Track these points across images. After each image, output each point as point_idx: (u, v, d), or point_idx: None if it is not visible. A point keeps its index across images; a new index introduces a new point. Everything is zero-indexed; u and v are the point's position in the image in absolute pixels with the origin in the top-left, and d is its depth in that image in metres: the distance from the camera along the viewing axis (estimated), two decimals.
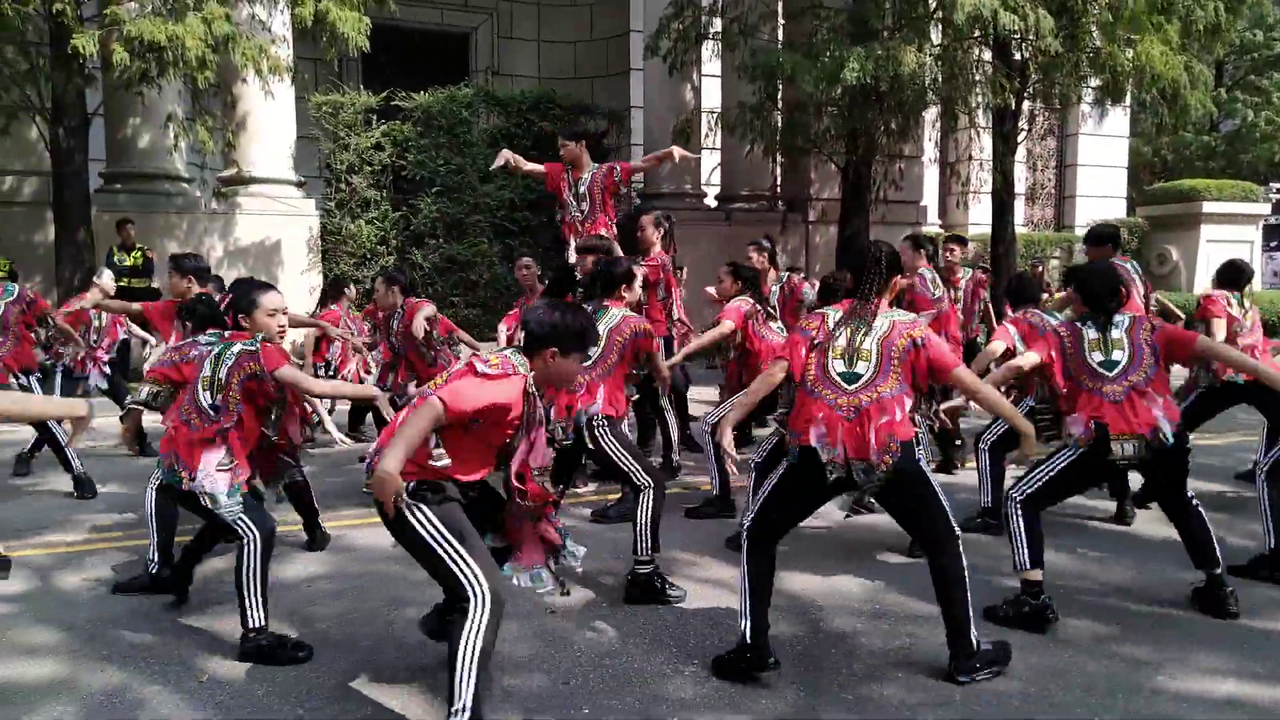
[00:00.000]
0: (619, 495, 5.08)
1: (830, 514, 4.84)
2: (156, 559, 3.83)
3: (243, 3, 9.01)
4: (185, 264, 5.10)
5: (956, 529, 3.07)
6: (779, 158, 13.58)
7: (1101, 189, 18.35)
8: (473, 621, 2.51)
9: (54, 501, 5.42)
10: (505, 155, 5.87)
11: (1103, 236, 5.63)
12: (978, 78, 11.56)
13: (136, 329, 7.19)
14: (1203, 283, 13.01)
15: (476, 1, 17.18)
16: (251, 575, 3.18)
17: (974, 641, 3.01)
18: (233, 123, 10.77)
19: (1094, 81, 11.97)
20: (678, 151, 5.78)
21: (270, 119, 11.05)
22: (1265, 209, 17.77)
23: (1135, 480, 4.52)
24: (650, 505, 3.77)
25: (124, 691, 2.95)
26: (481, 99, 12.28)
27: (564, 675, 3.07)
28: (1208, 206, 16.67)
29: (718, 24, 12.26)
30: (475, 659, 2.49)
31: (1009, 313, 5.22)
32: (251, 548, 3.20)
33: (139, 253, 9.71)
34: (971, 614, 3.02)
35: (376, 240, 11.59)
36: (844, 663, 3.16)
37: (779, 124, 12.43)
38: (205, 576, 3.99)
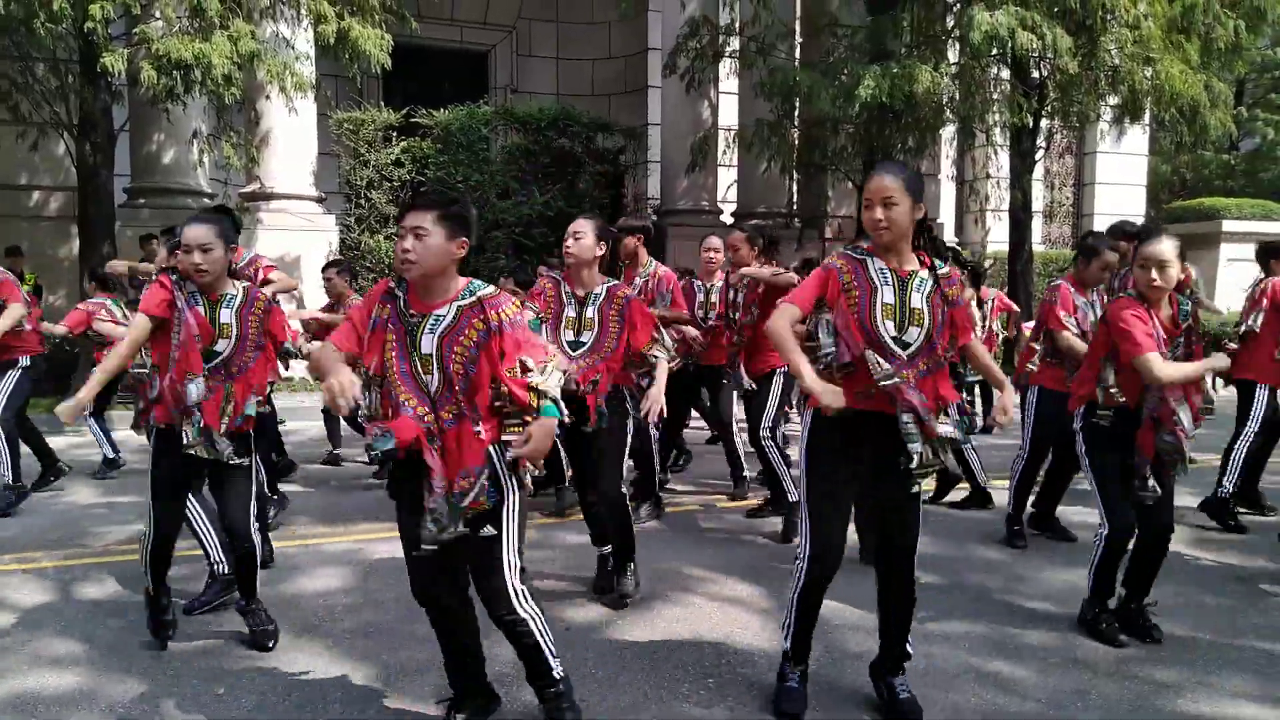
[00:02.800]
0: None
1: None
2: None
3: (268, 21, 9.16)
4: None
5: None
6: (795, 175, 13.62)
7: (1120, 207, 18.23)
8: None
9: (78, 512, 5.48)
10: None
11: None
12: (995, 96, 11.59)
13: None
14: (1222, 301, 12.89)
15: (496, 20, 17.36)
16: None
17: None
18: (256, 138, 10.92)
19: (1112, 100, 11.95)
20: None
21: (292, 135, 11.20)
22: None
23: None
24: None
25: (145, 703, 2.98)
26: (500, 116, 12.39)
27: (579, 691, 3.07)
28: (1228, 225, 16.57)
29: (735, 42, 12.34)
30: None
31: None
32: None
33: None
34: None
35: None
36: (860, 682, 3.15)
37: (796, 141, 12.48)
38: None
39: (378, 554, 4.55)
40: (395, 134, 11.93)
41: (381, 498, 5.69)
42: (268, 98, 10.10)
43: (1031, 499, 4.98)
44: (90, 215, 9.38)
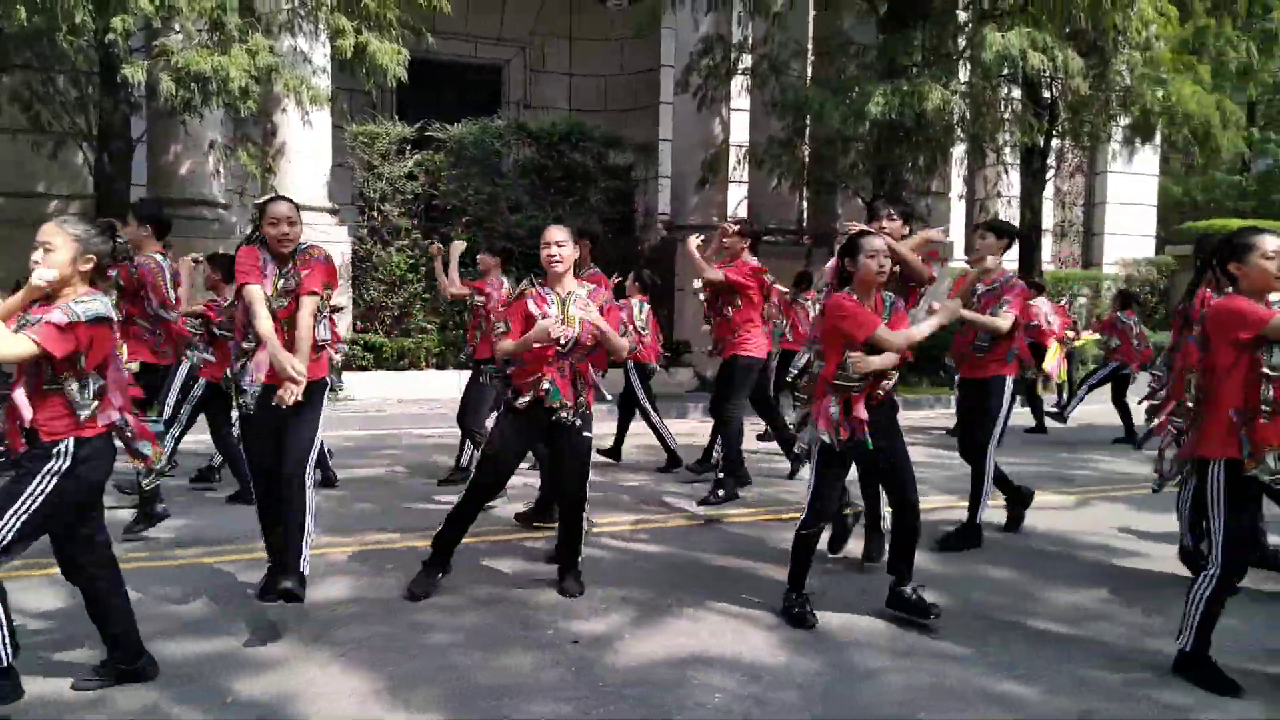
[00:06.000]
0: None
1: (853, 550, 4.83)
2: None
3: (286, 35, 9.26)
4: (142, 210, 5.24)
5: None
6: (805, 192, 13.66)
7: (1130, 227, 18.25)
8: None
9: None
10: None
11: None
12: (1006, 115, 11.62)
13: None
14: None
15: (509, 35, 17.50)
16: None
17: None
18: (272, 150, 11.02)
19: (1124, 120, 11.97)
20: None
21: (308, 147, 11.29)
22: None
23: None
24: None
25: (155, 711, 2.99)
26: (513, 131, 12.46)
27: (586, 705, 3.08)
28: None
29: (748, 60, 12.41)
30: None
31: None
32: None
33: None
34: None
35: (407, 267, 11.75)
36: (867, 700, 3.14)
37: (806, 159, 12.53)
38: (231, 594, 4.04)
39: (384, 563, 4.57)
40: (409, 147, 12.02)
41: (388, 507, 5.73)
42: (284, 110, 10.20)
43: None
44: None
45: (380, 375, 11.12)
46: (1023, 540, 5.31)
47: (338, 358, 3.93)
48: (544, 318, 3.89)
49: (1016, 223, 13.97)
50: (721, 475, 5.89)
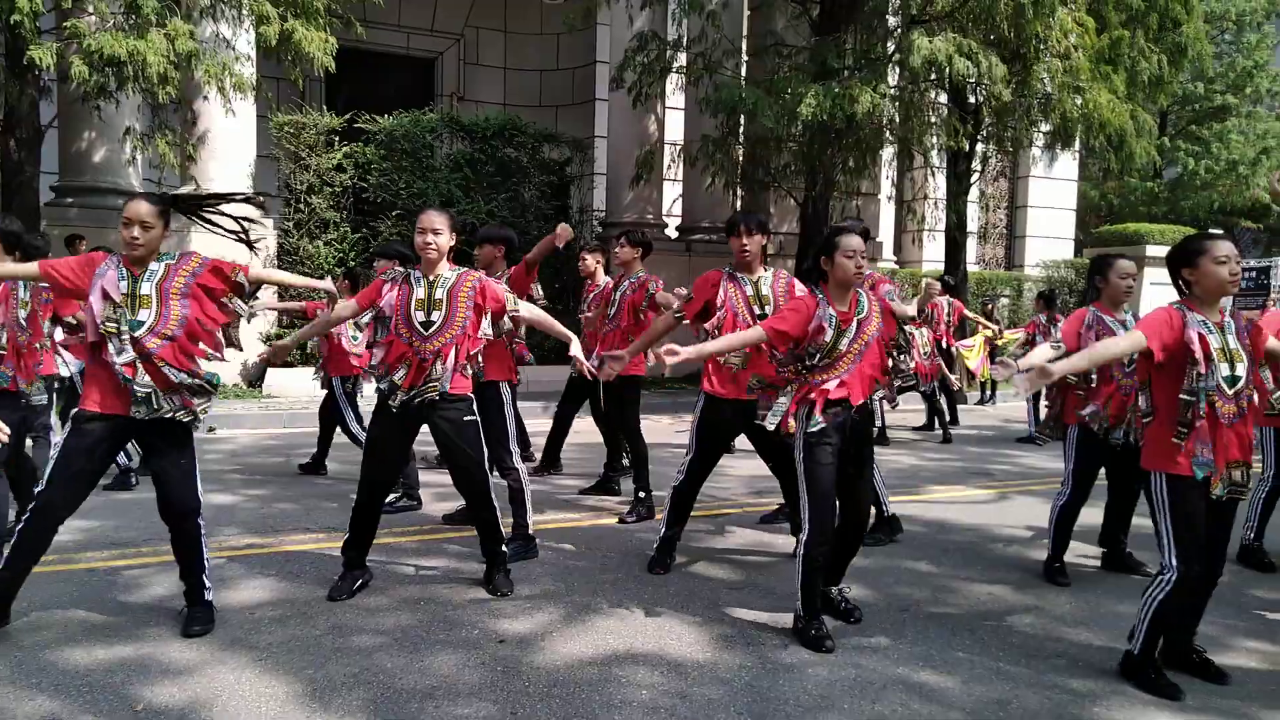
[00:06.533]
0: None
1: (783, 544, 4.89)
2: None
3: (207, 20, 8.96)
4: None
5: None
6: (739, 191, 13.79)
7: (1051, 230, 18.88)
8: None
9: None
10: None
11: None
12: (933, 120, 11.91)
13: None
14: None
15: (443, 27, 17.27)
16: None
17: None
18: (192, 138, 10.67)
19: (1044, 126, 12.37)
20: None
21: (230, 137, 10.97)
22: None
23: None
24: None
25: None
26: (446, 124, 12.30)
27: (512, 705, 3.05)
28: (1151, 250, 17.23)
29: (682, 58, 12.46)
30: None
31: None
32: None
33: None
34: None
35: (335, 261, 11.51)
36: (790, 693, 3.18)
37: (740, 158, 12.64)
38: (140, 603, 3.90)
39: (304, 565, 4.46)
40: (337, 138, 11.76)
41: (311, 506, 5.60)
42: (205, 98, 9.89)
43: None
44: (14, 213, 9.03)
45: (307, 372, 10.86)
46: (943, 534, 5.45)
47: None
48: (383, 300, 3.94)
49: (943, 224, 14.35)
50: (642, 494, 5.67)
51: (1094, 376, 4.31)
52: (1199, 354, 3.11)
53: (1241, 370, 3.15)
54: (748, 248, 4.36)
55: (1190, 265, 3.23)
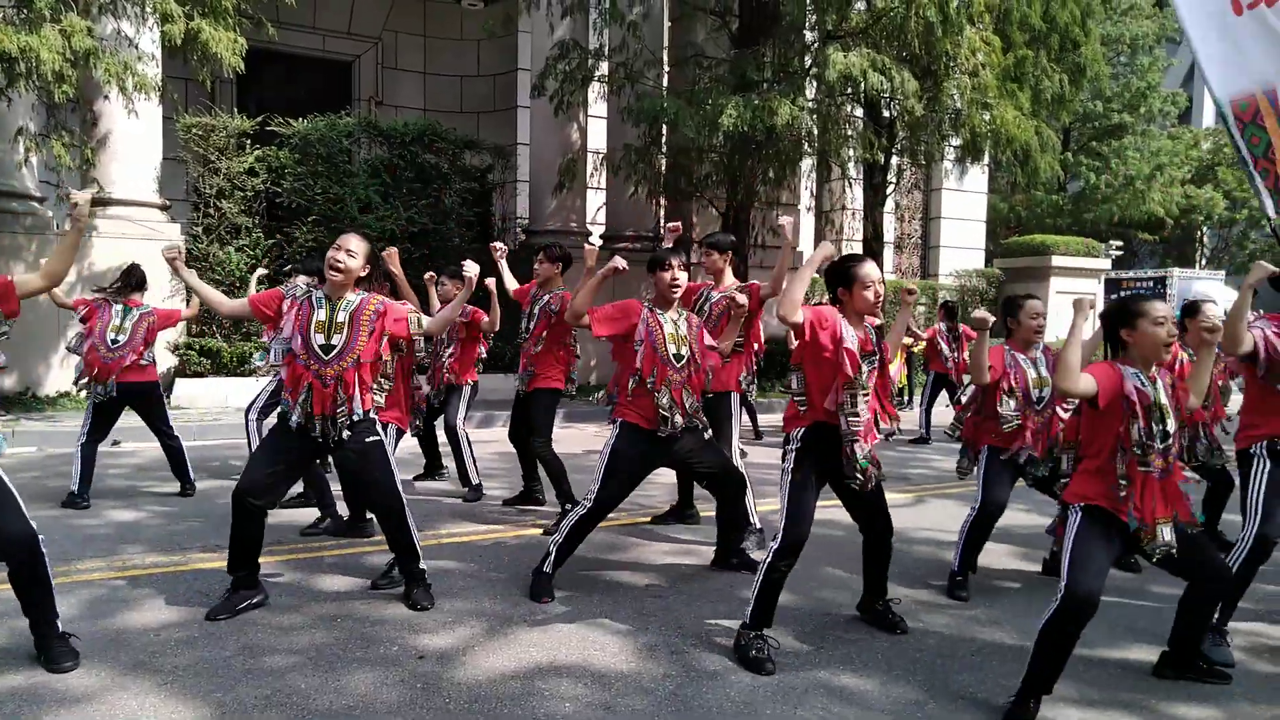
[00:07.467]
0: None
1: (704, 554, 4.89)
2: None
3: (108, 17, 8.59)
4: None
5: None
6: (662, 200, 13.87)
7: (963, 240, 19.52)
8: None
9: None
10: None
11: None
12: (850, 133, 12.19)
13: None
14: (1052, 330, 13.96)
15: (361, 30, 16.93)
16: None
17: None
18: (92, 140, 10.21)
19: (955, 141, 12.80)
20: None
21: (134, 138, 10.54)
22: (1106, 264, 19.37)
23: None
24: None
25: None
26: (363, 128, 12.04)
27: None
28: (1056, 260, 18.02)
29: (604, 67, 12.49)
30: None
31: None
32: None
33: None
34: None
35: (247, 268, 11.14)
36: (714, 701, 3.19)
37: (662, 168, 12.72)
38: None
39: (215, 584, 4.28)
40: (249, 142, 11.40)
41: (220, 523, 5.39)
42: (106, 98, 9.49)
43: None
44: None
45: (217, 381, 10.49)
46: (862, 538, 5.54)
47: None
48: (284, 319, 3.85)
49: (861, 234, 14.70)
50: (567, 507, 5.62)
51: (1008, 413, 4.41)
52: (1138, 407, 3.13)
53: (1171, 426, 3.18)
54: (677, 282, 4.20)
55: (1130, 327, 3.24)
